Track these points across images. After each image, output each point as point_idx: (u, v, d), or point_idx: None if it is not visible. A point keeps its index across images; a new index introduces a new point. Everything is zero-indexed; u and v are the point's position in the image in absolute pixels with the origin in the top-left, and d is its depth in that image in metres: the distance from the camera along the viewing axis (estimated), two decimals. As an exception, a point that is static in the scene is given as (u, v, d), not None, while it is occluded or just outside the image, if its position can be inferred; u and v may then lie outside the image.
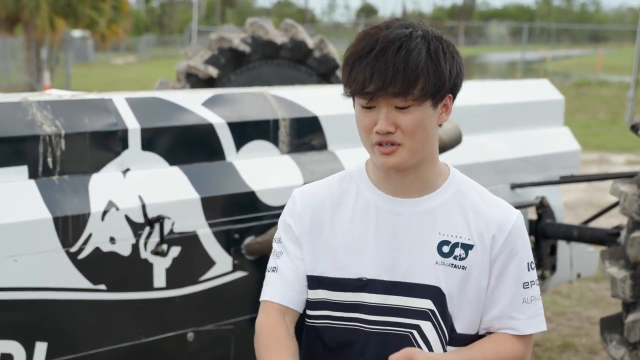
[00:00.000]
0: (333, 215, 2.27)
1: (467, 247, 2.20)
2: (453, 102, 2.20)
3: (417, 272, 2.20)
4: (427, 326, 2.20)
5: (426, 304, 2.19)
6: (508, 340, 2.23)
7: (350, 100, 2.19)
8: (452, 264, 2.19)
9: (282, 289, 2.29)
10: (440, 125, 2.21)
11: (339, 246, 2.24)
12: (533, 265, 2.26)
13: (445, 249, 2.20)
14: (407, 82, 2.06)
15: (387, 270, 2.21)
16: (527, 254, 2.24)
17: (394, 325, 2.21)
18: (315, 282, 2.28)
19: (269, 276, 2.34)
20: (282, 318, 2.26)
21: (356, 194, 2.27)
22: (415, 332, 2.21)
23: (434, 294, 2.19)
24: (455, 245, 2.20)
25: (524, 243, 2.24)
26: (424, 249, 2.20)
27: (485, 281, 2.22)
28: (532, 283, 2.24)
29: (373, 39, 2.09)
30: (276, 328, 2.25)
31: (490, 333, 2.27)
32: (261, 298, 2.34)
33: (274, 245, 2.36)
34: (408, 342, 2.20)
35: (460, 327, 2.23)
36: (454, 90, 2.18)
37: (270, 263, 2.35)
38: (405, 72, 2.05)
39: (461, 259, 2.20)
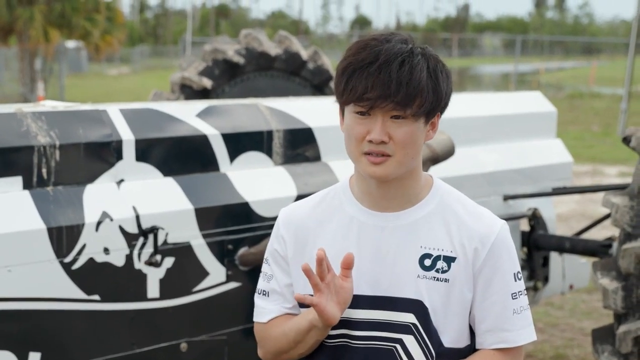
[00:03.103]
0: (316, 234, 2.28)
1: (449, 260, 2.19)
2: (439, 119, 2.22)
3: (399, 286, 2.19)
4: (409, 340, 2.20)
5: (408, 317, 2.19)
6: (494, 358, 2.22)
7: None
8: (434, 277, 2.19)
9: (274, 309, 2.33)
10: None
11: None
12: (520, 275, 2.25)
13: (427, 262, 2.19)
14: (408, 97, 2.07)
15: (370, 285, 2.21)
16: (512, 265, 2.23)
17: (379, 339, 2.21)
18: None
19: (259, 300, 2.37)
20: (281, 316, 2.33)
21: (339, 210, 2.27)
22: (398, 346, 2.20)
23: (416, 307, 2.18)
24: (437, 258, 2.19)
25: (509, 254, 2.23)
26: (406, 263, 2.20)
27: (469, 294, 2.21)
28: (520, 293, 2.23)
29: (374, 51, 2.10)
30: (279, 317, 2.32)
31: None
32: (255, 319, 2.37)
33: (264, 266, 2.38)
34: (392, 356, 2.21)
35: (448, 341, 2.22)
36: (444, 109, 2.21)
37: (260, 285, 2.37)
38: (408, 87, 2.07)
39: (443, 271, 2.19)
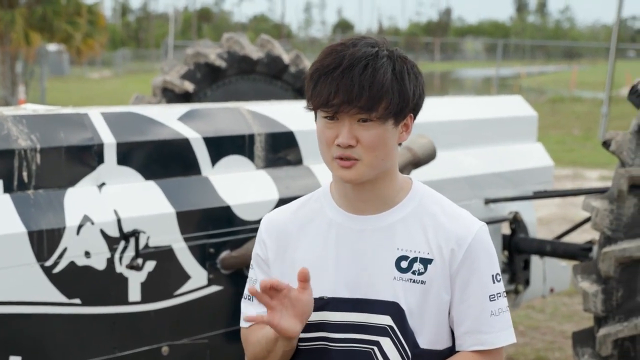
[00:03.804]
0: (297, 238, 2.29)
1: (426, 262, 2.19)
2: (414, 121, 2.22)
3: (376, 288, 2.20)
4: (386, 342, 2.20)
5: (385, 320, 2.19)
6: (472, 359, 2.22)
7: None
8: (410, 279, 2.19)
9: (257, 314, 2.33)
10: (400, 144, 2.23)
11: (301, 267, 2.25)
12: (499, 278, 2.24)
13: (404, 264, 2.19)
14: (372, 100, 2.08)
15: (347, 287, 2.21)
16: (490, 267, 2.22)
17: (356, 342, 2.21)
18: None
19: (244, 304, 2.38)
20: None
21: (320, 214, 2.28)
22: (375, 349, 2.21)
23: (393, 309, 2.18)
24: (414, 260, 2.20)
25: (488, 255, 2.22)
26: (383, 265, 2.20)
27: (447, 296, 2.21)
28: (499, 295, 2.22)
29: (339, 55, 2.11)
30: (259, 325, 2.30)
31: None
32: (241, 325, 2.38)
33: (249, 271, 2.39)
34: (369, 358, 2.21)
35: (424, 343, 2.22)
36: (415, 110, 2.20)
37: (246, 290, 2.38)
38: (370, 90, 2.08)
39: (420, 273, 2.19)
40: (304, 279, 2.12)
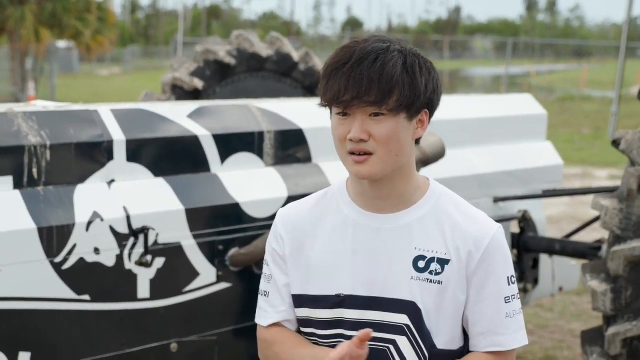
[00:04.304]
0: (313, 234, 2.29)
1: (443, 262, 2.19)
2: (430, 118, 2.22)
3: (393, 287, 2.20)
4: (403, 341, 2.20)
5: (402, 319, 2.20)
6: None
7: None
8: (427, 279, 2.19)
9: (275, 314, 2.33)
10: (417, 142, 2.22)
11: (318, 263, 2.26)
12: (514, 280, 2.25)
13: (421, 264, 2.20)
14: (382, 92, 2.08)
15: (364, 285, 2.22)
16: (506, 269, 2.23)
17: (373, 340, 2.20)
18: (299, 300, 2.30)
19: (260, 300, 2.39)
20: (283, 327, 2.33)
21: (336, 211, 2.28)
22: (391, 347, 2.21)
23: (410, 309, 2.19)
24: (432, 260, 2.20)
25: (503, 257, 2.23)
26: (400, 265, 2.20)
27: (463, 296, 2.21)
28: (514, 297, 2.24)
29: (350, 51, 2.12)
30: (284, 332, 2.31)
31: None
32: (256, 321, 2.39)
33: (264, 267, 2.39)
34: (385, 357, 2.22)
35: (441, 343, 2.22)
36: (430, 106, 2.20)
37: (262, 286, 2.39)
38: (380, 82, 2.08)
39: (437, 273, 2.19)
40: (366, 339, 2.10)
